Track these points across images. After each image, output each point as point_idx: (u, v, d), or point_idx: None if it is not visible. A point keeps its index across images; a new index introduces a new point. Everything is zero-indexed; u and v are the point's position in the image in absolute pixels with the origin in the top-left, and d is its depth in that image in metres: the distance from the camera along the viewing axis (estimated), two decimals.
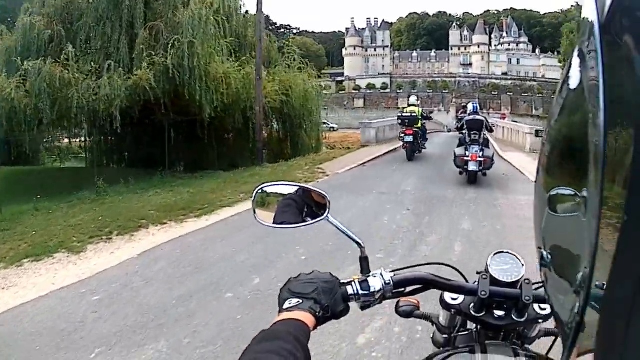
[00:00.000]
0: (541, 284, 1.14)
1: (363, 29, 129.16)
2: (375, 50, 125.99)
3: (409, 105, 18.40)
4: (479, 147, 11.75)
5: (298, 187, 1.37)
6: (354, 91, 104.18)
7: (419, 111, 17.44)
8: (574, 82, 0.53)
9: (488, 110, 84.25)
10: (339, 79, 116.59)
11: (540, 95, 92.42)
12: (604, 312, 0.43)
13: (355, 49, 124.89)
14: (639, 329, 0.39)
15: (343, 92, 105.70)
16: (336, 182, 12.99)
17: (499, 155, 17.09)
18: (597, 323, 0.43)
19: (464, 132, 12.45)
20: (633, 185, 0.40)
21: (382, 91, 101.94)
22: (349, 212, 9.02)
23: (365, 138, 23.57)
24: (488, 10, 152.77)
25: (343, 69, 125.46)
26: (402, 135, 16.89)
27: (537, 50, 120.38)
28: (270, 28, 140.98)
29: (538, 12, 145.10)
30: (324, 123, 67.60)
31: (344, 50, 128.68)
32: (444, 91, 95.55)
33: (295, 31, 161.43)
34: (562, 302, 0.54)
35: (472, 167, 11.67)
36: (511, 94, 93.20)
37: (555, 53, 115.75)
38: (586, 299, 0.44)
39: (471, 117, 12.55)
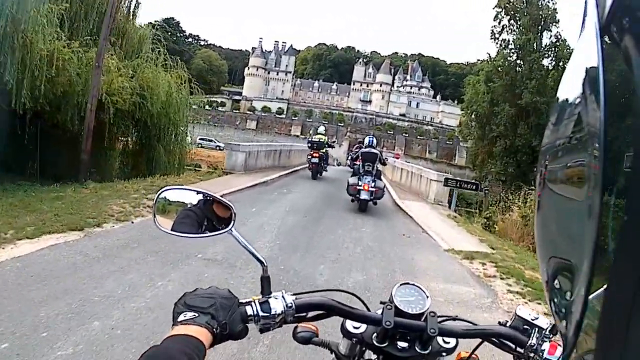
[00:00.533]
0: (446, 318, 1.26)
1: (270, 51, 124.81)
2: (277, 74, 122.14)
3: (317, 133, 21.68)
4: (372, 178, 12.37)
5: (201, 196, 1.31)
6: (248, 112, 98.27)
7: (325, 139, 20.99)
8: (573, 81, 0.52)
9: (382, 148, 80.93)
10: (237, 97, 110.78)
11: (435, 139, 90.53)
12: (604, 312, 0.42)
13: (257, 69, 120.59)
14: (639, 329, 0.39)
15: (237, 111, 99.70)
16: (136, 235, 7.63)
17: (397, 205, 15.76)
18: (597, 323, 0.43)
19: (357, 163, 13.10)
20: (633, 185, 0.40)
21: (277, 116, 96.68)
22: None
23: (231, 163, 17.76)
24: (396, 53, 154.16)
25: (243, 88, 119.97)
26: (310, 157, 19.89)
27: (438, 97, 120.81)
28: (178, 35, 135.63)
29: (444, 61, 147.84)
30: (210, 140, 61.48)
31: (246, 69, 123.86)
32: (339, 124, 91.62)
33: (203, 42, 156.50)
34: (562, 302, 0.54)
35: (363, 195, 12.19)
36: (407, 135, 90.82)
37: (456, 102, 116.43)
38: (586, 299, 0.44)
39: (367, 149, 13.01)
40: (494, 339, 1.22)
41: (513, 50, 44.33)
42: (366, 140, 13.87)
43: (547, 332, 1.15)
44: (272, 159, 19.90)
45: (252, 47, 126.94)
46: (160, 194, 1.29)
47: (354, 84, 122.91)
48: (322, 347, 1.38)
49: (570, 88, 0.53)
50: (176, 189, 1.33)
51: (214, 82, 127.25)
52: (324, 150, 20.36)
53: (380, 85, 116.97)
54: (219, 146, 63.86)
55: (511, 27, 45.22)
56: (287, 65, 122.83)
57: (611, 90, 0.42)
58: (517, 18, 44.26)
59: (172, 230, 1.26)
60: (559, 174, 0.56)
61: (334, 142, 33.43)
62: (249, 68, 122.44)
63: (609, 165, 0.41)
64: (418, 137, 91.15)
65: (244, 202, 11.27)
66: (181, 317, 0.98)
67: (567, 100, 0.54)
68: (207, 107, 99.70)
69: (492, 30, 46.03)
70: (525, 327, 1.17)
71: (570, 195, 0.53)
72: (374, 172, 12.56)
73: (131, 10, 19.25)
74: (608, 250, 0.41)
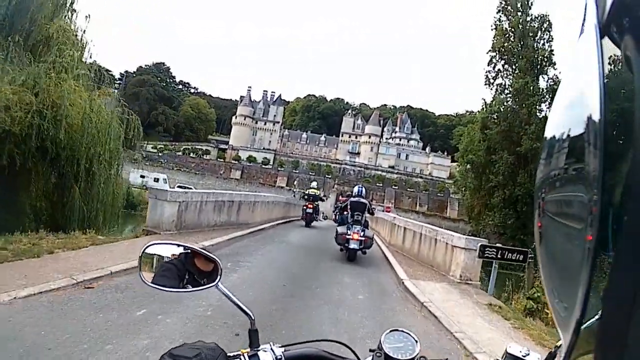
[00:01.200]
0: None
1: (258, 101, 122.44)
2: (265, 124, 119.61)
3: (310, 188, 26.08)
4: (361, 227, 12.43)
5: (183, 249, 1.31)
6: (233, 161, 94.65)
7: (318, 193, 25.28)
8: (573, 81, 0.52)
9: (371, 200, 77.11)
10: (223, 146, 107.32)
11: (426, 191, 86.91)
12: (604, 312, 0.42)
13: (245, 119, 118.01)
14: (639, 329, 0.39)
15: (222, 160, 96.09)
16: None
17: (406, 289, 9.96)
18: (597, 323, 0.43)
19: (345, 213, 13.43)
20: (633, 185, 0.39)
21: (263, 166, 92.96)
22: None
23: (155, 219, 12.07)
24: (385, 105, 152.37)
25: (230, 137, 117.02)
26: (305, 207, 24.20)
27: (428, 148, 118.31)
28: (168, 81, 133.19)
29: (433, 113, 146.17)
30: (156, 180, 56.07)
31: (234, 118, 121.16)
32: (327, 176, 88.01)
33: (193, 90, 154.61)
34: (561, 303, 0.54)
35: (353, 245, 12.04)
36: (396, 187, 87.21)
37: (445, 153, 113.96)
38: (586, 299, 0.44)
39: (356, 198, 13.21)
40: None
41: (510, 95, 42.61)
42: (355, 190, 13.90)
43: None
44: (225, 214, 15.34)
45: (241, 96, 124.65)
46: (145, 248, 1.29)
47: (342, 136, 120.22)
48: None
49: (570, 88, 0.53)
50: (159, 244, 1.32)
51: (201, 130, 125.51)
52: (316, 203, 24.26)
53: (369, 137, 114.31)
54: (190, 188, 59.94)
55: (506, 71, 43.67)
56: (275, 116, 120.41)
57: (611, 90, 0.42)
58: (513, 61, 42.64)
59: (152, 282, 1.26)
60: (558, 177, 0.55)
61: (324, 196, 33.68)
62: (236, 117, 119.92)
63: (609, 166, 0.41)
64: (408, 189, 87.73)
65: (129, 297, 6.25)
66: None
67: (567, 100, 0.54)
68: (192, 154, 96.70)
69: (487, 76, 44.67)
70: None
71: (570, 199, 0.53)
72: (363, 221, 12.76)
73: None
74: (608, 251, 0.41)
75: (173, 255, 1.30)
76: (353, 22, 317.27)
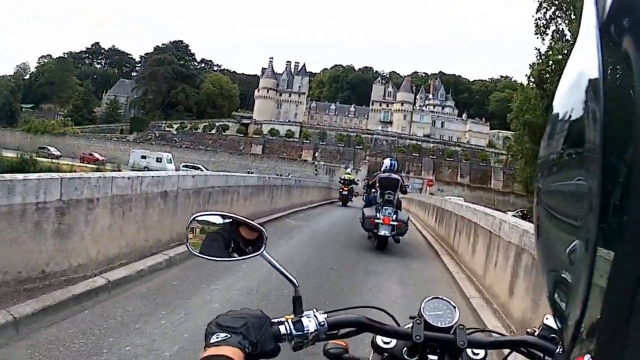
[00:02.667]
0: (475, 330, 1.27)
1: (281, 73, 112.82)
2: (290, 95, 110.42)
3: (346, 173, 29.46)
4: (393, 209, 10.20)
5: (230, 218, 1.34)
6: (255, 135, 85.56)
7: (352, 177, 28.43)
8: (573, 81, 0.51)
9: (407, 173, 67.96)
10: (245, 121, 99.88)
11: (466, 161, 76.11)
12: (604, 312, 0.42)
13: (268, 91, 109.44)
14: (639, 329, 0.38)
15: (242, 135, 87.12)
16: None
17: None
18: (597, 323, 0.42)
19: (373, 191, 11.52)
20: (633, 185, 0.39)
21: (287, 139, 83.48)
22: None
23: None
24: (416, 72, 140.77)
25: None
26: (341, 189, 27.70)
27: (464, 115, 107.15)
28: (187, 58, 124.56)
29: (467, 79, 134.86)
30: (185, 166, 49.50)
31: (256, 91, 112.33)
32: (357, 147, 78.06)
33: (216, 68, 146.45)
34: (561, 302, 0.53)
35: (383, 231, 10.04)
36: (434, 157, 76.69)
37: (483, 119, 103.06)
38: (586, 299, 0.43)
39: (386, 174, 10.90)
40: (522, 349, 1.21)
41: (570, 42, 34.14)
42: (386, 163, 11.37)
43: None
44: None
45: (262, 68, 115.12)
46: (192, 219, 1.32)
47: (372, 104, 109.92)
48: None
49: (570, 88, 0.53)
50: (206, 214, 1.36)
51: (224, 106, 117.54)
52: (351, 186, 27.46)
53: (402, 105, 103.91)
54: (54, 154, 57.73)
55: (559, 17, 38.50)
56: (300, 87, 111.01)
57: (611, 90, 0.42)
58: (567, 5, 37.05)
59: (200, 252, 1.30)
60: (558, 177, 0.55)
61: (358, 180, 34.64)
62: (259, 90, 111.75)
63: (609, 166, 0.41)
64: (447, 159, 76.86)
65: None
66: (213, 339, 0.97)
67: (566, 100, 0.53)
68: (212, 131, 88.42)
69: (537, 24, 39.19)
70: (553, 335, 1.14)
71: (569, 200, 0.52)
72: (395, 201, 10.47)
73: None
74: (608, 251, 0.41)
75: (218, 224, 1.32)
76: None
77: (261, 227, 1.29)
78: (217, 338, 0.97)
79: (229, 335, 0.97)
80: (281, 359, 1.11)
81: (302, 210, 17.92)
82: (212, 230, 1.33)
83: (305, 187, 21.14)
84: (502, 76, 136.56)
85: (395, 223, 10.11)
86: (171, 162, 52.81)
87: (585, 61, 0.46)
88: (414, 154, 76.56)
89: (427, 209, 17.24)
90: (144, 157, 54.52)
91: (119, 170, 38.04)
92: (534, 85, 38.04)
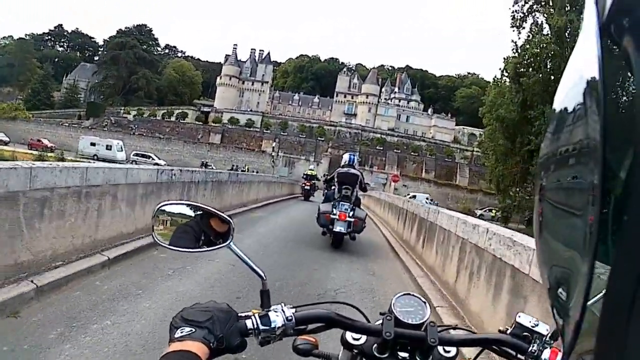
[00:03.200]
0: (446, 327, 1.25)
1: (245, 60, 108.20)
2: (253, 84, 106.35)
3: (309, 169, 30.26)
4: (350, 205, 9.59)
5: (199, 209, 1.28)
6: (214, 124, 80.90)
7: (315, 173, 29.55)
8: (573, 81, 0.51)
9: (371, 167, 64.39)
10: (206, 109, 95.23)
11: (432, 156, 73.05)
12: (604, 312, 0.41)
13: (230, 79, 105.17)
14: (639, 329, 0.38)
15: (202, 123, 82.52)
16: None
17: None
18: (597, 323, 0.42)
19: (333, 186, 10.56)
20: (633, 185, 0.38)
21: (247, 129, 78.97)
22: None
23: None
24: (382, 65, 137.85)
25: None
26: (303, 184, 28.07)
27: (430, 110, 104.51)
28: (150, 43, 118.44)
29: (433, 74, 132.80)
30: (136, 154, 46.28)
31: (218, 78, 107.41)
32: (319, 138, 74.13)
33: (180, 54, 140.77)
34: (561, 303, 0.53)
35: (338, 227, 9.42)
36: (398, 151, 73.28)
37: (449, 115, 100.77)
38: (585, 299, 0.43)
39: (345, 169, 10.30)
40: (494, 347, 1.17)
41: (549, 37, 33.81)
42: (345, 158, 10.78)
43: (547, 339, 1.11)
44: None
45: (226, 55, 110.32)
46: (158, 208, 1.26)
47: (337, 96, 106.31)
48: (322, 359, 1.31)
49: (569, 88, 0.52)
50: (172, 204, 1.30)
51: (186, 94, 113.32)
52: (313, 182, 28.26)
53: (367, 97, 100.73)
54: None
55: (537, 11, 36.51)
56: (263, 75, 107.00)
57: (611, 90, 0.42)
58: (543, 1, 35.88)
59: (170, 244, 1.25)
60: (558, 178, 0.55)
61: (322, 176, 32.83)
62: (221, 77, 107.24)
63: (609, 166, 0.41)
64: (411, 153, 73.64)
65: None
66: (178, 333, 0.95)
67: (566, 100, 0.53)
68: (171, 118, 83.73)
69: (514, 16, 37.06)
70: (526, 334, 1.13)
71: (569, 200, 0.52)
72: (353, 198, 9.90)
73: None
74: (608, 251, 0.41)
75: (188, 216, 1.27)
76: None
77: (229, 219, 1.24)
78: (181, 332, 0.94)
79: (193, 330, 0.95)
80: (249, 354, 1.04)
81: (243, 212, 14.21)
82: (183, 221, 1.26)
83: (248, 182, 16.77)
84: (469, 73, 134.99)
85: (352, 219, 9.47)
86: (122, 151, 48.86)
87: (585, 61, 0.46)
88: (378, 148, 73.03)
89: (398, 214, 13.42)
90: (93, 144, 50.27)
91: (62, 159, 34.22)
92: (509, 80, 36.30)
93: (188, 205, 1.29)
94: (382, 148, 73.13)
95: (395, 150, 72.76)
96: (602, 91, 0.41)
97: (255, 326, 1.06)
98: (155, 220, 1.26)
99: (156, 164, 46.95)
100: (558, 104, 0.54)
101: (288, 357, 1.46)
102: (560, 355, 1.03)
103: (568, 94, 0.52)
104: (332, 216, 9.46)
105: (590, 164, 0.44)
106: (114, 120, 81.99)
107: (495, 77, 40.06)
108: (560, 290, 0.53)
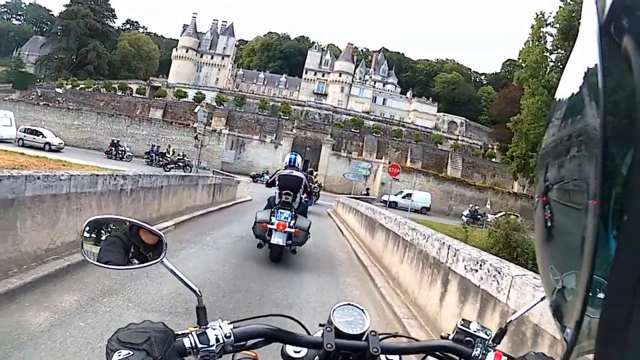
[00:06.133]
0: (387, 335, 1.18)
1: (204, 32, 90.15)
2: (212, 58, 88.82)
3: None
4: (291, 213, 7.94)
5: (128, 222, 1.21)
6: (156, 98, 63.10)
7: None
8: (573, 82, 0.49)
9: (348, 153, 47.67)
10: (158, 84, 77.43)
11: (418, 142, 56.21)
12: (604, 312, 0.40)
13: (187, 51, 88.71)
14: (639, 329, 0.37)
15: (140, 96, 64.76)
16: None
17: None
18: (597, 323, 0.41)
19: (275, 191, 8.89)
20: (633, 185, 0.37)
21: (195, 103, 60.95)
22: None
23: None
24: (356, 47, 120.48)
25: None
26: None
27: (409, 93, 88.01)
28: (105, 13, 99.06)
29: (410, 58, 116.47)
30: (27, 129, 36.45)
31: (174, 50, 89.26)
32: (282, 116, 56.63)
33: (142, 30, 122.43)
34: (561, 303, 0.52)
35: (276, 239, 7.76)
36: (379, 135, 56.21)
37: (430, 99, 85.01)
38: (586, 299, 0.42)
39: (286, 171, 8.59)
40: (437, 353, 1.13)
41: None
42: (287, 158, 9.12)
43: (489, 342, 1.09)
44: None
45: (184, 25, 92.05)
46: (86, 223, 1.18)
47: (306, 73, 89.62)
48: None
49: (569, 88, 0.51)
50: (102, 217, 1.24)
51: (141, 69, 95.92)
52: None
53: (340, 75, 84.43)
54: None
55: None
56: (224, 48, 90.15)
57: (611, 90, 0.40)
58: None
59: (98, 260, 1.16)
60: (558, 178, 0.53)
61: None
62: (177, 49, 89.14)
63: (609, 166, 0.40)
64: (394, 138, 56.61)
65: None
66: (115, 357, 0.88)
67: (566, 100, 0.52)
68: (119, 93, 67.52)
69: None
70: (468, 338, 1.10)
71: (570, 199, 0.51)
72: (296, 205, 8.33)
73: None
74: (608, 251, 0.39)
75: (116, 229, 1.20)
76: None
77: (160, 233, 1.16)
78: (119, 356, 0.88)
79: (131, 353, 0.88)
80: None
81: None
82: (111, 234, 1.19)
83: None
84: (448, 59, 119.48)
85: (292, 230, 7.81)
86: (11, 125, 34.54)
87: (585, 61, 0.45)
88: (353, 130, 55.88)
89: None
90: None
91: None
92: (559, 33, 30.03)
93: (117, 219, 1.23)
94: (358, 131, 56.01)
95: (375, 134, 55.68)
96: (602, 91, 0.40)
97: (194, 345, 0.99)
98: (84, 236, 1.17)
99: (47, 143, 34.60)
100: (558, 103, 0.53)
101: None
102: (504, 358, 1.04)
103: (568, 93, 0.51)
104: (269, 226, 7.78)
105: (590, 164, 0.42)
106: (40, 93, 63.94)
107: (528, 41, 32.59)
108: (560, 290, 0.52)
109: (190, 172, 22.63)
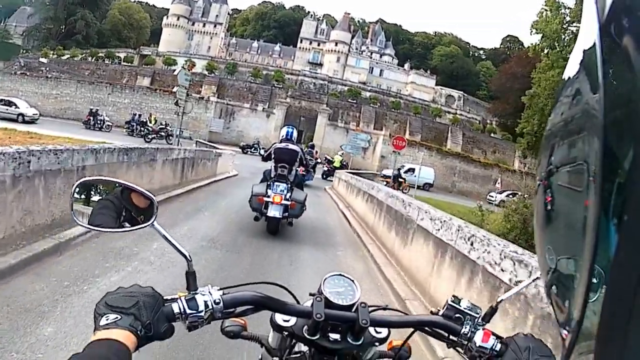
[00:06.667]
0: (377, 307, 1.18)
1: (196, 0, 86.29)
2: (204, 25, 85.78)
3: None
4: (287, 186, 7.89)
5: (119, 185, 1.18)
6: (144, 66, 59.81)
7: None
8: (573, 82, 0.49)
9: (346, 124, 44.85)
10: (147, 53, 73.63)
11: (417, 115, 53.25)
12: (604, 312, 0.40)
13: (179, 19, 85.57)
14: (639, 329, 0.37)
15: (128, 64, 61.50)
16: None
17: None
18: (597, 323, 0.40)
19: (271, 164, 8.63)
20: (633, 185, 0.37)
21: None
22: None
23: None
24: (352, 18, 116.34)
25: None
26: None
27: (407, 65, 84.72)
28: None
29: (408, 30, 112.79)
30: None
31: (164, 18, 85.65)
32: (275, 84, 53.41)
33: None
34: (562, 303, 0.51)
35: (272, 211, 7.70)
36: (377, 106, 53.18)
37: (428, 72, 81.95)
38: (586, 299, 0.42)
39: (283, 144, 8.47)
40: (426, 328, 1.12)
41: None
42: (283, 132, 8.93)
43: (479, 321, 1.08)
44: None
45: None
46: (77, 184, 1.15)
47: (301, 42, 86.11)
48: (252, 341, 1.27)
49: (569, 88, 0.51)
50: (93, 179, 1.24)
51: (131, 39, 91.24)
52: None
53: (336, 45, 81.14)
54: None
55: None
56: (217, 16, 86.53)
57: (611, 89, 0.40)
58: None
59: (89, 223, 1.13)
60: (559, 173, 0.53)
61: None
62: (168, 17, 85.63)
63: (609, 166, 0.39)
64: (393, 110, 53.57)
65: None
66: (103, 321, 0.86)
67: (567, 99, 0.51)
68: (106, 61, 64.23)
69: None
70: (458, 315, 1.09)
71: (570, 194, 0.50)
72: (292, 178, 8.21)
73: None
74: (608, 250, 0.39)
75: (108, 191, 1.19)
76: None
77: (152, 195, 1.12)
78: (106, 320, 0.86)
79: (119, 317, 0.87)
80: (177, 337, 0.99)
81: None
82: (102, 197, 1.17)
83: None
84: (446, 32, 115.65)
85: (288, 202, 7.76)
86: None
87: (585, 61, 0.45)
88: (350, 101, 52.76)
89: None
90: None
91: None
92: None
93: (107, 181, 1.20)
94: (355, 101, 52.90)
95: (372, 105, 52.62)
96: (603, 91, 0.40)
97: (182, 310, 0.97)
98: (74, 198, 1.14)
99: (20, 114, 31.39)
100: (561, 97, 0.52)
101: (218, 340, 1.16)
102: (492, 337, 1.03)
103: (568, 93, 0.50)
104: (265, 199, 7.73)
105: (590, 165, 0.42)
106: (23, 63, 60.37)
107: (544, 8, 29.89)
108: (560, 290, 0.51)
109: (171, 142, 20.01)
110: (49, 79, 46.36)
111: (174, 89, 22.02)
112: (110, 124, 35.00)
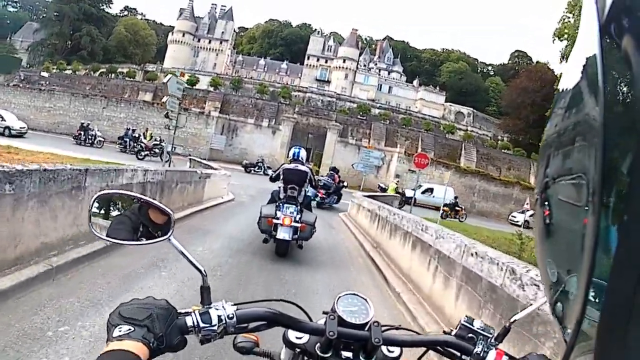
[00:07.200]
0: (390, 327, 1.15)
1: (202, 17, 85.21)
2: (210, 42, 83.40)
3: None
4: (296, 208, 7.59)
5: (138, 200, 1.19)
6: (147, 81, 57.45)
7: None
8: (573, 82, 0.48)
9: (358, 141, 42.17)
10: (150, 68, 71.84)
11: (428, 131, 50.27)
12: (604, 312, 0.39)
13: (184, 35, 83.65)
14: (639, 329, 0.36)
15: (131, 79, 59.40)
16: None
17: None
18: (597, 323, 0.40)
19: (279, 185, 8.36)
20: (633, 185, 0.37)
21: (187, 86, 54.89)
22: None
23: None
24: (360, 36, 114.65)
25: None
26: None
27: (416, 82, 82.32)
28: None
29: (415, 47, 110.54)
30: None
31: (170, 34, 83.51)
32: (282, 100, 50.81)
33: (140, 17, 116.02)
34: (562, 303, 0.51)
35: (282, 234, 7.36)
36: (387, 122, 50.34)
37: (437, 88, 79.50)
38: (586, 299, 0.41)
39: (292, 165, 8.23)
40: (439, 348, 1.11)
41: None
42: (291, 152, 8.64)
43: (492, 341, 1.07)
44: None
45: (180, 9, 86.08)
46: (95, 197, 1.16)
47: (308, 59, 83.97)
48: (264, 357, 1.26)
49: (570, 87, 0.50)
50: (112, 192, 1.23)
51: (137, 55, 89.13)
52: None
53: (344, 62, 79.01)
54: None
55: None
56: (223, 33, 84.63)
57: (611, 90, 0.40)
58: None
59: (107, 236, 1.14)
60: (558, 175, 0.53)
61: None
62: (173, 33, 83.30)
63: (609, 166, 0.39)
64: (403, 126, 50.65)
65: None
66: (116, 332, 0.87)
67: (567, 99, 0.51)
68: (109, 75, 61.66)
69: None
70: (470, 335, 1.08)
71: (570, 197, 0.49)
72: (301, 199, 7.92)
73: None
74: (608, 251, 0.39)
75: (126, 206, 1.18)
76: None
77: (170, 211, 1.14)
78: (119, 331, 0.86)
79: (132, 329, 0.87)
80: (189, 350, 0.90)
81: None
82: (120, 212, 1.17)
83: None
84: (454, 49, 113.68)
85: (298, 225, 7.45)
86: None
87: (585, 61, 0.44)
88: (359, 117, 49.94)
89: None
90: None
91: None
92: None
93: (126, 195, 1.19)
94: (364, 118, 50.10)
95: (382, 122, 49.79)
96: (602, 91, 0.40)
97: (196, 324, 0.98)
98: (92, 211, 1.14)
99: (7, 127, 29.32)
100: (558, 103, 0.52)
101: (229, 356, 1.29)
102: (505, 357, 1.02)
103: (568, 93, 0.50)
104: (275, 221, 7.40)
105: (590, 165, 0.42)
106: (23, 77, 58.54)
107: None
108: (560, 290, 0.51)
109: (168, 160, 17.30)
110: (42, 92, 44.03)
111: (164, 99, 19.20)
112: (102, 139, 32.52)
